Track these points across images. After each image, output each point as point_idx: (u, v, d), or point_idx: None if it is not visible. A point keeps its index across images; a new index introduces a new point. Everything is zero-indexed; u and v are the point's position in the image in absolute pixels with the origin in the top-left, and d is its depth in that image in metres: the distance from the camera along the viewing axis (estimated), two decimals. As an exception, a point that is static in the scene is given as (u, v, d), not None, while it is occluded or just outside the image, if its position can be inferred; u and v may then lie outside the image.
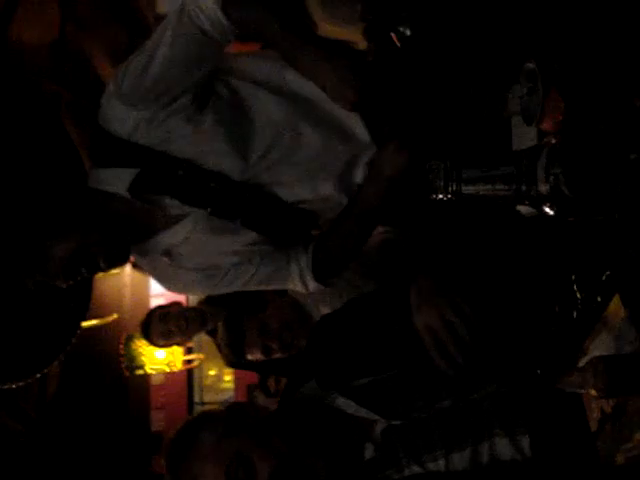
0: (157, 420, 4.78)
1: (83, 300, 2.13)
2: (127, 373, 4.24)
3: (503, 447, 1.27)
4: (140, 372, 4.24)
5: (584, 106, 1.22)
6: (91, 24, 3.55)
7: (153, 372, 4.29)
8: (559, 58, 1.27)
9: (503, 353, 1.32)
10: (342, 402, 1.35)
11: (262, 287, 1.81)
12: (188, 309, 3.56)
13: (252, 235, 1.71)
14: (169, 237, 1.66)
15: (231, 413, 1.40)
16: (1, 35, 2.86)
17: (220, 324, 2.61)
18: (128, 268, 4.81)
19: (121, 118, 1.56)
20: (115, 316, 3.96)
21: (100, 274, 3.69)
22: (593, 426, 1.50)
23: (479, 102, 1.36)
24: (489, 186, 1.08)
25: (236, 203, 1.65)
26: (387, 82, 1.64)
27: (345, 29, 1.69)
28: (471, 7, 1.47)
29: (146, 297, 4.93)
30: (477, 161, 1.08)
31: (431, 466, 1.29)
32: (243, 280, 1.76)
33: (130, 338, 4.17)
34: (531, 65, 1.25)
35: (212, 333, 3.25)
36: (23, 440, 3.33)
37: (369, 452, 1.33)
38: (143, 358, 4.17)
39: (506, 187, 1.06)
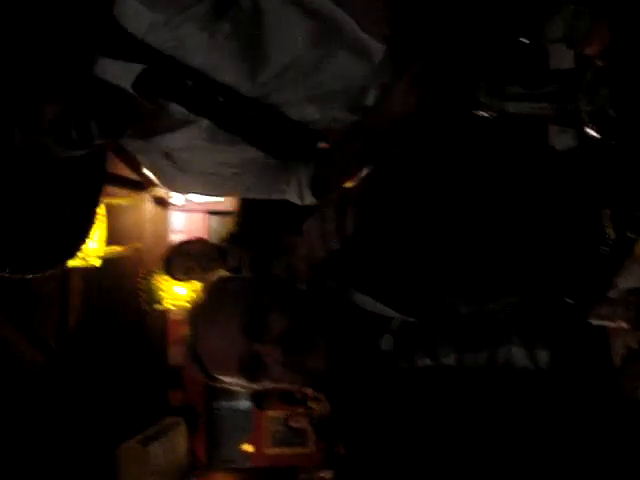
0: (175, 354, 4.85)
1: (98, 179, 2.14)
2: (146, 307, 4.29)
3: (519, 355, 1.28)
4: (159, 307, 4.28)
5: (632, 32, 1.19)
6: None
7: (173, 308, 4.33)
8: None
9: (526, 268, 1.31)
10: (359, 298, 1.37)
11: (264, 197, 1.86)
12: (210, 246, 3.56)
13: (254, 150, 1.71)
14: (171, 140, 1.67)
15: (265, 280, 1.46)
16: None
17: (245, 266, 2.61)
18: (148, 203, 4.84)
19: (136, 17, 1.51)
20: (138, 245, 3.98)
21: (119, 207, 3.71)
22: (617, 361, 1.49)
23: (518, 27, 1.33)
24: (533, 104, 1.06)
25: (242, 118, 1.64)
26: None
27: None
28: None
29: (165, 232, 4.96)
30: (520, 79, 1.07)
31: (443, 360, 1.30)
32: (243, 188, 1.82)
33: (149, 273, 4.21)
34: (578, -13, 1.23)
35: (234, 271, 3.27)
36: (43, 370, 3.38)
37: (387, 344, 1.35)
38: (162, 293, 4.20)
39: (550, 106, 1.04)
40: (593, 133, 1.03)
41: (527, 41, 1.34)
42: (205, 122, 1.64)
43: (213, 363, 1.35)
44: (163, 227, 5.01)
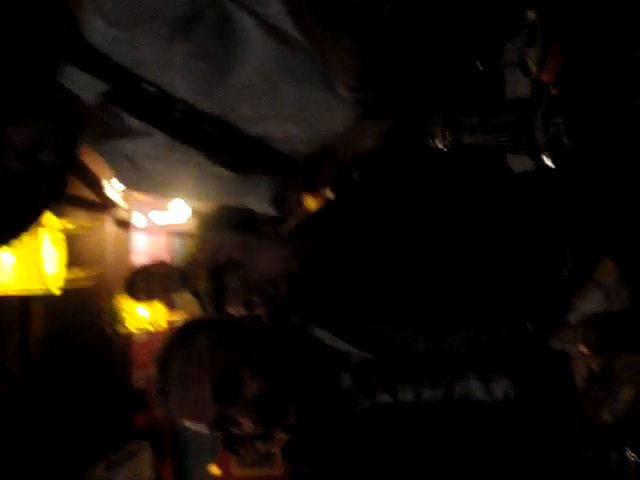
0: (139, 378, 4.79)
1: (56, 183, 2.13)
2: (109, 330, 4.23)
3: (476, 389, 1.29)
4: (122, 329, 4.22)
5: (585, 58, 1.20)
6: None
7: (136, 330, 4.28)
8: (559, 9, 1.24)
9: (481, 299, 1.32)
10: (319, 333, 1.38)
11: (226, 203, 1.96)
12: (173, 268, 3.54)
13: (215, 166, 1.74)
14: (131, 147, 1.69)
15: (230, 325, 1.43)
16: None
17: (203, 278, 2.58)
18: (109, 225, 4.79)
19: (97, 33, 1.51)
20: (101, 271, 3.94)
21: (80, 230, 3.67)
22: (580, 385, 1.50)
23: (475, 52, 1.33)
24: (488, 135, 1.06)
25: (197, 133, 1.65)
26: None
27: None
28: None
29: (128, 254, 4.90)
30: (475, 110, 1.06)
31: (401, 397, 1.31)
32: (203, 196, 1.91)
33: (112, 296, 4.16)
34: (531, 15, 1.23)
35: (195, 294, 3.24)
36: (5, 397, 3.33)
37: (346, 381, 1.36)
38: (125, 316, 4.16)
39: (505, 137, 1.04)
40: (549, 162, 1.03)
41: (482, 67, 1.34)
42: (161, 135, 1.66)
43: (183, 416, 1.36)
44: (125, 249, 4.94)
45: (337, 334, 1.33)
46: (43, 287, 3.31)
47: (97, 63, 1.54)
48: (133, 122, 1.62)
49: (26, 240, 3.22)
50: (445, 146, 1.03)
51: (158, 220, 4.79)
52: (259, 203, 1.83)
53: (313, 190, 2.00)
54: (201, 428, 1.34)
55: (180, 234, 4.94)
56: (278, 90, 1.61)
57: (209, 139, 1.66)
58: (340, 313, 1.29)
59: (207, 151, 1.69)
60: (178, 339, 1.40)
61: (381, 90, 1.61)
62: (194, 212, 4.93)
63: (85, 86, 1.56)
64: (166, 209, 4.90)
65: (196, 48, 1.54)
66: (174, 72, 1.56)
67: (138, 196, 5.17)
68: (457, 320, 1.29)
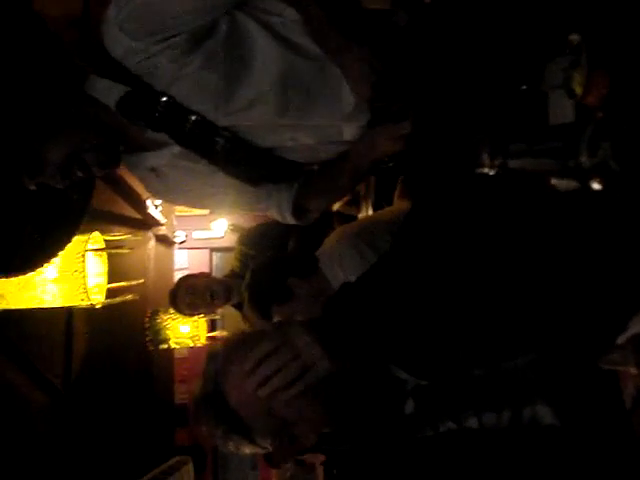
0: (181, 392, 4.83)
1: (87, 191, 2.16)
2: (151, 347, 4.27)
3: (545, 414, 1.27)
4: (164, 346, 4.27)
5: (631, 80, 1.20)
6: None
7: (177, 346, 4.32)
8: (604, 30, 1.24)
9: (539, 324, 1.30)
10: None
11: (249, 212, 1.95)
12: (215, 281, 3.57)
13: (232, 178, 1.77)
14: (154, 158, 1.73)
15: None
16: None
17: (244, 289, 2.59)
18: (152, 242, 4.85)
19: (115, 42, 1.54)
20: (142, 280, 3.97)
21: (125, 249, 3.71)
22: (629, 403, 1.48)
23: (517, 75, 1.33)
24: (536, 160, 1.06)
25: (211, 145, 1.67)
26: (412, 53, 1.63)
27: None
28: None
29: (169, 270, 4.96)
30: (523, 133, 1.07)
31: (466, 423, 1.29)
32: (225, 205, 1.95)
33: (155, 312, 4.20)
34: (576, 37, 1.23)
35: (238, 307, 3.26)
36: (49, 412, 3.37)
37: (409, 407, 1.33)
38: (168, 332, 4.20)
39: (553, 161, 1.05)
40: (597, 186, 1.03)
41: (525, 87, 1.34)
42: (177, 147, 1.69)
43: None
44: (167, 265, 5.01)
45: (390, 360, 1.32)
46: (86, 301, 3.35)
47: (115, 70, 1.58)
48: (152, 132, 1.66)
49: (69, 255, 3.27)
50: (493, 172, 1.03)
51: (198, 235, 4.85)
52: (280, 212, 1.87)
53: (334, 199, 2.03)
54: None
55: (220, 249, 5.00)
56: (287, 99, 1.63)
57: (222, 152, 1.69)
58: (392, 339, 1.26)
59: (222, 165, 1.72)
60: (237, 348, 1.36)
61: (394, 98, 1.63)
62: (233, 227, 4.98)
63: (106, 91, 1.60)
64: (208, 228, 4.96)
65: (208, 60, 1.56)
66: (186, 83, 1.58)
67: (179, 213, 5.25)
68: (514, 346, 1.27)
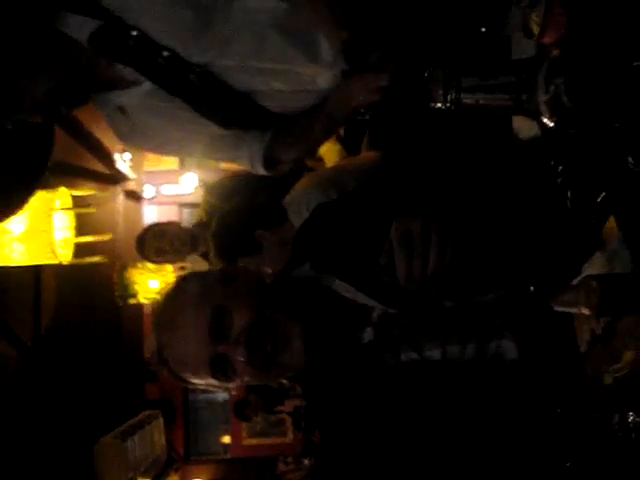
0: (150, 348, 4.83)
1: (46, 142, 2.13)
2: (120, 302, 4.27)
3: (509, 348, 1.27)
4: (133, 301, 4.26)
5: (587, 20, 1.20)
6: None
7: (146, 301, 4.31)
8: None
9: (509, 261, 1.30)
10: (339, 285, 1.33)
11: (218, 162, 1.89)
12: (182, 229, 3.55)
13: (203, 119, 1.72)
14: (124, 96, 1.68)
15: (224, 274, 1.37)
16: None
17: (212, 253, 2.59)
18: (121, 197, 4.81)
19: None
20: (110, 235, 3.95)
21: (92, 207, 3.67)
22: (583, 347, 1.51)
23: (479, 16, 1.33)
24: (489, 95, 1.06)
25: (183, 82, 1.64)
26: None
27: None
28: None
29: (138, 226, 4.93)
30: (477, 70, 1.07)
31: (428, 354, 1.29)
32: (195, 151, 1.87)
33: (123, 267, 4.19)
34: (534, -24, 1.23)
35: (205, 256, 3.26)
36: (17, 367, 3.36)
37: (368, 335, 1.31)
38: (136, 287, 4.19)
39: (506, 97, 1.05)
40: (549, 123, 1.03)
41: (486, 30, 1.34)
42: (148, 84, 1.65)
43: (181, 367, 1.31)
44: (136, 221, 4.98)
45: (359, 287, 1.29)
46: (53, 257, 3.34)
47: (86, 5, 1.54)
48: (122, 69, 1.63)
49: (36, 214, 3.24)
50: (446, 107, 1.03)
51: (168, 191, 4.82)
52: (251, 162, 1.82)
53: (308, 150, 1.98)
54: (200, 374, 1.30)
55: (190, 205, 4.97)
56: (264, 41, 1.60)
57: (195, 90, 1.66)
58: (364, 266, 1.25)
59: (194, 103, 1.69)
60: (171, 289, 1.37)
61: (371, 45, 1.60)
62: (203, 183, 4.94)
63: (78, 28, 1.56)
64: (177, 182, 4.93)
65: (180, 7, 1.54)
66: (158, 18, 1.56)
67: (148, 168, 5.21)
68: (484, 281, 1.27)
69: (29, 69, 1.53)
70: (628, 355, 1.62)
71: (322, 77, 1.68)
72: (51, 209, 3.32)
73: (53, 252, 3.32)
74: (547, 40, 1.21)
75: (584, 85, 1.01)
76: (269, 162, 1.80)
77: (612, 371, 1.64)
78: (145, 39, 1.57)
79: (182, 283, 1.36)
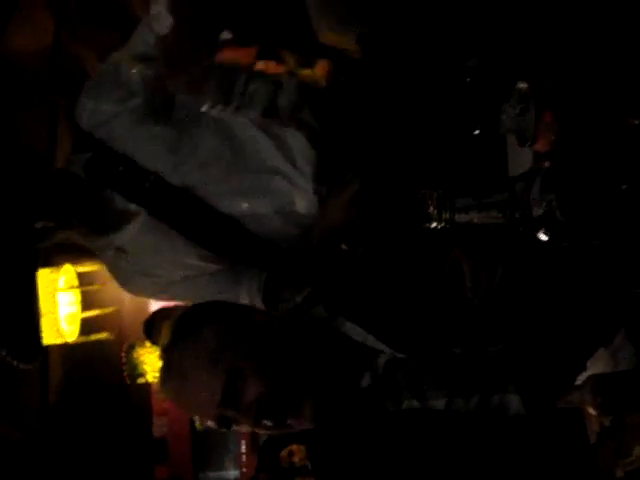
0: (159, 426, 4.78)
1: None
2: (128, 381, 4.24)
3: (512, 402, 1.26)
4: (142, 380, 4.23)
5: (578, 127, 1.22)
6: (85, 30, 3.55)
7: (155, 380, 4.28)
8: (551, 78, 1.26)
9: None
10: (349, 327, 1.34)
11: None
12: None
13: (199, 249, 1.73)
14: (120, 235, 1.71)
15: (239, 318, 1.38)
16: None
17: None
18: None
19: (81, 109, 1.63)
20: (115, 308, 3.94)
21: (97, 285, 3.67)
22: (593, 439, 1.50)
23: (472, 122, 1.35)
24: (483, 213, 1.08)
25: (171, 207, 1.68)
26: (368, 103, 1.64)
27: (344, 38, 1.70)
28: (459, 23, 1.47)
29: (146, 304, 4.92)
30: (470, 187, 1.08)
31: (431, 403, 1.27)
32: (194, 295, 1.79)
33: (132, 346, 4.17)
34: (523, 85, 1.25)
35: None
36: (23, 448, 3.33)
37: (366, 381, 1.31)
38: (145, 367, 4.16)
39: (500, 214, 1.06)
40: (544, 237, 1.05)
41: (479, 132, 1.36)
42: (144, 215, 1.69)
43: (186, 409, 1.38)
44: (143, 299, 4.96)
45: (369, 329, 1.30)
46: (59, 336, 3.34)
47: (85, 141, 1.65)
48: (117, 199, 1.67)
49: (41, 295, 3.25)
50: (440, 227, 1.05)
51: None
52: (251, 297, 1.78)
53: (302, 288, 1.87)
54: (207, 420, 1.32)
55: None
56: (234, 169, 1.67)
57: (183, 215, 1.69)
58: (376, 309, 1.26)
59: (188, 231, 1.71)
60: (184, 329, 1.38)
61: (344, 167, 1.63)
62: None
63: (77, 163, 1.65)
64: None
65: (162, 131, 1.63)
66: (143, 149, 1.64)
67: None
68: (499, 332, 1.27)
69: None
70: (638, 449, 1.59)
71: (300, 197, 1.70)
72: (55, 289, 3.33)
73: (59, 332, 3.33)
74: (539, 148, 1.23)
75: (577, 200, 1.03)
76: (269, 301, 1.76)
77: (623, 464, 1.61)
78: (134, 165, 1.62)
79: (197, 329, 1.35)
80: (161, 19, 1.48)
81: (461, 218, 1.06)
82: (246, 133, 1.65)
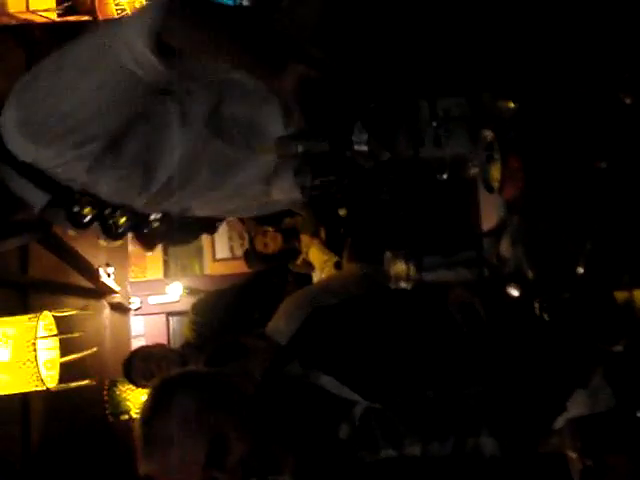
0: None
1: None
2: (111, 419, 4.20)
3: (487, 445, 1.26)
4: (125, 417, 4.19)
5: (544, 174, 1.22)
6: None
7: (137, 416, 4.25)
8: (516, 125, 1.26)
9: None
10: (325, 380, 1.34)
11: None
12: (170, 350, 3.53)
13: None
14: None
15: (216, 382, 1.37)
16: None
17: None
18: (107, 310, 4.79)
19: (21, 149, 1.43)
20: (95, 349, 3.91)
21: (76, 332, 3.66)
22: (576, 479, 1.49)
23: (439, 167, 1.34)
24: (451, 272, 1.07)
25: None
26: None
27: None
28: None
29: (126, 338, 4.90)
30: (438, 244, 1.08)
31: (408, 450, 1.27)
32: None
33: (114, 383, 4.13)
34: (488, 133, 1.24)
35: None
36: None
37: (344, 432, 1.31)
38: (128, 403, 4.13)
39: (468, 272, 1.06)
40: (515, 293, 1.04)
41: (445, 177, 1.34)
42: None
43: (170, 477, 1.31)
44: (123, 333, 4.95)
45: (344, 382, 1.30)
46: (40, 384, 3.30)
47: (38, 175, 1.49)
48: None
49: (20, 343, 3.22)
50: (409, 286, 1.04)
51: (154, 301, 4.81)
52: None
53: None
54: None
55: (177, 313, 4.96)
56: (201, 177, 1.58)
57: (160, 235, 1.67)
58: (350, 361, 1.26)
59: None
60: (160, 398, 1.35)
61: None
62: (188, 290, 4.95)
63: (34, 196, 1.50)
64: (163, 291, 4.92)
65: (128, 158, 1.48)
66: (102, 187, 1.53)
67: (133, 280, 5.21)
68: (472, 375, 1.27)
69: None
70: (621, 488, 1.58)
71: (275, 191, 1.63)
72: (35, 337, 3.29)
73: (39, 379, 3.28)
74: (506, 195, 1.22)
75: (545, 256, 1.02)
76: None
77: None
78: (97, 202, 1.55)
79: (175, 397, 1.32)
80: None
81: (429, 277, 1.05)
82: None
